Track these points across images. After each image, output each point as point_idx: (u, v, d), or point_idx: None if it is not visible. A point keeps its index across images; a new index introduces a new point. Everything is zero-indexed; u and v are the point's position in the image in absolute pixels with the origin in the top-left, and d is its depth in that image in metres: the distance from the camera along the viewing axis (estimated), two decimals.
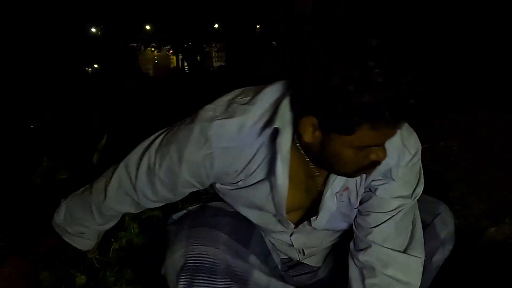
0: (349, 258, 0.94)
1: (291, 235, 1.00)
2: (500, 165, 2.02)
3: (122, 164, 0.94)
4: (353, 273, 0.92)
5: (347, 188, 0.89)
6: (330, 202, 0.89)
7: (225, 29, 13.60)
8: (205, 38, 14.09)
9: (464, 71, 3.69)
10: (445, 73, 3.61)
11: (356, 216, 0.94)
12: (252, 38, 11.77)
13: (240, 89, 0.88)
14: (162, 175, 0.88)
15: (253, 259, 0.92)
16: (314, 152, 0.79)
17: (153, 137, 0.93)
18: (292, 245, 1.03)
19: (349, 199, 0.92)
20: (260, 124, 0.80)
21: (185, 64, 14.59)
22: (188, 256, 0.86)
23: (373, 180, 0.88)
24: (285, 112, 0.78)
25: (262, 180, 0.86)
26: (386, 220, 0.88)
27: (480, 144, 2.25)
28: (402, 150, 0.84)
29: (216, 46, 18.38)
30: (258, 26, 12.70)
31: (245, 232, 0.95)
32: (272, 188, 0.85)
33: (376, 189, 0.88)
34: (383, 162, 0.79)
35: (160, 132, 0.93)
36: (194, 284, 0.86)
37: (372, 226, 0.89)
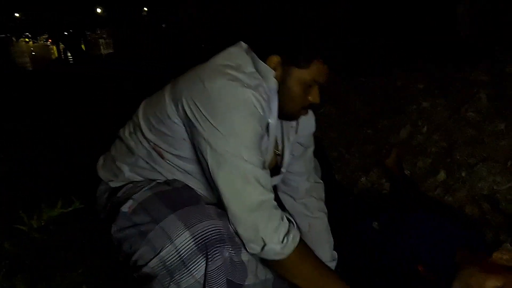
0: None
1: None
2: (367, 124, 2.34)
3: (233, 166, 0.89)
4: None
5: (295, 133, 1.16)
6: (289, 148, 1.14)
7: (110, 14, 12.74)
8: (87, 24, 13.05)
9: None
10: None
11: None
12: (139, 22, 11.25)
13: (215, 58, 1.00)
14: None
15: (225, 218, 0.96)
16: None
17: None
18: None
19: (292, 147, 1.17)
20: (253, 79, 0.96)
21: (69, 54, 13.36)
22: (197, 235, 0.87)
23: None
24: (260, 64, 0.98)
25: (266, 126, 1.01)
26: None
27: (351, 107, 2.56)
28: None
29: (102, 32, 17.18)
30: (145, 9, 12.17)
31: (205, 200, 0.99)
32: (269, 130, 1.02)
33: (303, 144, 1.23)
34: (310, 126, 1.18)
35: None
36: (215, 256, 0.88)
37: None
